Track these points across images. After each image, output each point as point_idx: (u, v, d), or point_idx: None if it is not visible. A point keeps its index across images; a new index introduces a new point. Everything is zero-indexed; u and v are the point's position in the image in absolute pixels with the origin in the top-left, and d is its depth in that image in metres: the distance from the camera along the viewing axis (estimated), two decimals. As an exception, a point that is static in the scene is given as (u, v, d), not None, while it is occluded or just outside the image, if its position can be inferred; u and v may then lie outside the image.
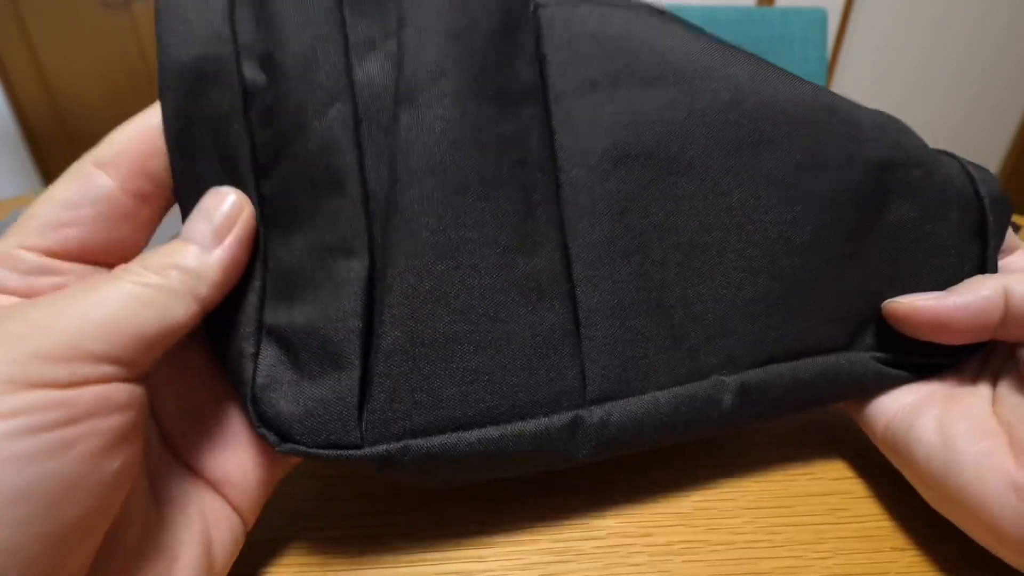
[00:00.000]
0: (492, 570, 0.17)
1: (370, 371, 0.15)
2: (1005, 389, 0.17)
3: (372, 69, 0.15)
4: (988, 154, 1.98)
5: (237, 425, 0.16)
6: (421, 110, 0.15)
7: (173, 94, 0.15)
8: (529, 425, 0.16)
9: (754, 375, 0.18)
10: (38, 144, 1.79)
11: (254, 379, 0.15)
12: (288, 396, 0.15)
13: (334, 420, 0.15)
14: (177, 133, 0.15)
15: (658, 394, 0.17)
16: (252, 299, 0.15)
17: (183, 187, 0.16)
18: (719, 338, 0.18)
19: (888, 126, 0.22)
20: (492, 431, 0.16)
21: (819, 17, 0.85)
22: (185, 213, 0.15)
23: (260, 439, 0.15)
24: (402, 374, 0.15)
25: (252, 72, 0.15)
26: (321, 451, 0.15)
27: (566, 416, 0.16)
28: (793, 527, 0.19)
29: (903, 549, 0.18)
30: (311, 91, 0.15)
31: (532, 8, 0.17)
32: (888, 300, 0.19)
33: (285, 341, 0.15)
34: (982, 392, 0.18)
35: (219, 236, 0.14)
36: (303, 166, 0.15)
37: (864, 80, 1.85)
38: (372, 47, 0.15)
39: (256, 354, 0.15)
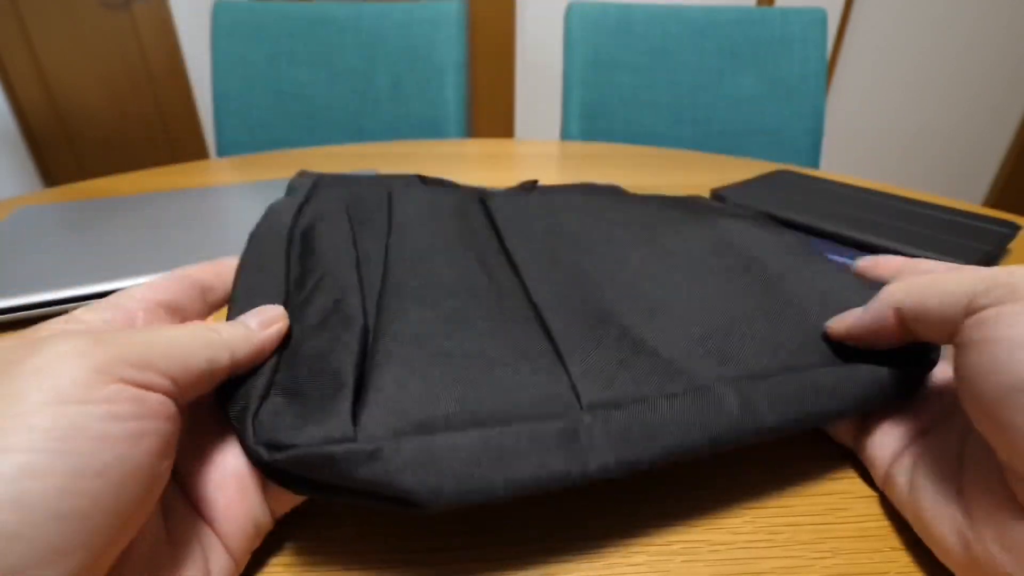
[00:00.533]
0: (492, 569, 0.17)
1: (365, 384, 0.17)
2: (974, 433, 0.18)
3: (370, 248, 0.24)
4: (988, 154, 1.98)
5: (231, 473, 0.17)
6: (402, 231, 0.25)
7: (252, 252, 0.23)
8: (524, 427, 0.16)
9: (753, 383, 0.19)
10: (38, 144, 1.79)
11: (257, 410, 0.16)
12: (288, 417, 0.16)
13: (328, 424, 0.15)
14: (247, 267, 0.22)
15: (659, 401, 0.17)
16: (268, 365, 0.18)
17: (240, 300, 0.20)
18: (693, 350, 0.20)
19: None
20: (489, 432, 0.16)
21: (819, 17, 0.85)
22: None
23: (248, 486, 0.17)
24: (395, 384, 0.17)
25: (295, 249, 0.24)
26: (313, 448, 0.15)
27: (562, 421, 0.16)
28: (793, 527, 0.19)
29: (903, 549, 0.18)
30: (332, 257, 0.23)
31: (481, 201, 0.28)
32: (827, 323, 0.21)
33: (289, 389, 0.17)
34: (957, 429, 0.18)
35: (264, 325, 0.18)
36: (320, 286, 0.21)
37: (864, 80, 1.85)
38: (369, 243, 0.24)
39: (263, 397, 0.17)
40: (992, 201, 2.03)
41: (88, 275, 0.32)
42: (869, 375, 0.20)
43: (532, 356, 0.19)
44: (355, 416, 0.16)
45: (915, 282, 0.18)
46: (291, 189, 0.34)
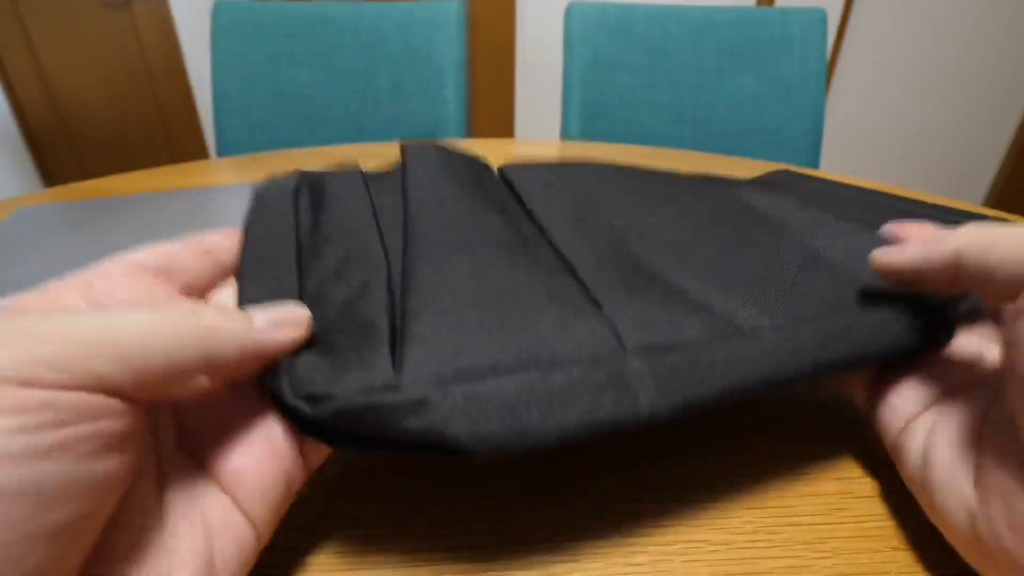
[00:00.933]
0: (493, 569, 0.17)
1: (402, 328, 0.16)
2: (995, 408, 0.17)
3: (386, 201, 0.24)
4: (988, 154, 1.98)
5: (256, 424, 0.16)
6: (422, 188, 0.23)
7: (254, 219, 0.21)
8: (571, 371, 0.15)
9: (793, 325, 0.18)
10: (38, 144, 1.79)
11: (292, 364, 0.15)
12: (323, 367, 0.15)
13: (369, 371, 0.15)
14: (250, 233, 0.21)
15: (704, 342, 0.17)
16: None
17: (249, 253, 0.19)
18: (732, 298, 0.19)
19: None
20: (535, 376, 0.15)
21: (819, 17, 0.85)
22: (241, 291, 0.18)
23: (277, 438, 0.16)
24: (434, 331, 0.16)
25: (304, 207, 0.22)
26: (356, 398, 0.14)
27: (609, 364, 0.16)
28: (793, 527, 0.19)
29: (903, 549, 0.18)
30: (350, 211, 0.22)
31: (497, 172, 0.27)
32: (873, 253, 0.19)
33: (320, 342, 0.16)
34: (978, 402, 0.18)
35: (274, 325, 0.15)
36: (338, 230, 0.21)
37: (864, 80, 1.85)
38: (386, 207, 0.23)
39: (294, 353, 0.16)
40: (992, 201, 2.03)
41: (88, 275, 0.32)
42: (910, 315, 0.19)
43: (569, 302, 0.18)
44: (395, 364, 0.15)
45: (988, 231, 0.16)
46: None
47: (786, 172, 0.53)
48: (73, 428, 0.11)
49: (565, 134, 0.88)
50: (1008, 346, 0.15)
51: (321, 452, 0.17)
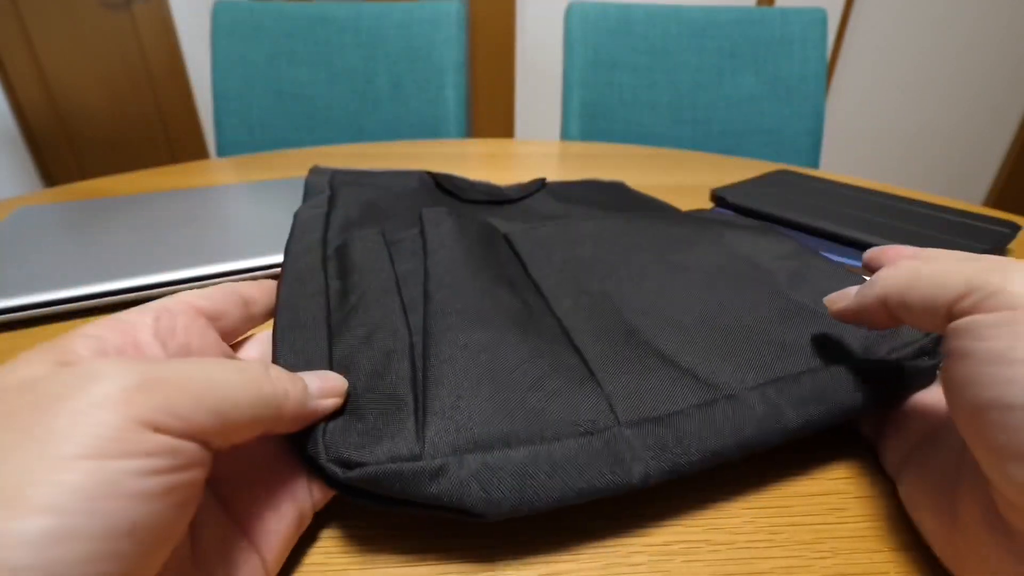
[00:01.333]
0: (493, 569, 0.17)
1: (424, 400, 0.18)
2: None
3: (407, 269, 0.25)
4: (988, 154, 1.98)
5: (275, 467, 0.17)
6: (439, 255, 0.25)
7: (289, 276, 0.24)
8: (572, 443, 0.17)
9: (775, 387, 0.20)
10: (38, 144, 1.79)
11: (324, 429, 0.17)
12: (353, 435, 0.17)
13: (395, 442, 0.17)
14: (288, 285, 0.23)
15: (690, 411, 0.19)
16: None
17: (283, 316, 0.22)
18: (714, 361, 0.21)
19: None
20: (540, 448, 0.17)
21: (819, 17, 0.85)
22: (276, 352, 0.20)
23: (293, 480, 0.17)
24: (452, 404, 0.18)
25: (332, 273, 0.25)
26: (384, 466, 0.16)
27: (605, 436, 0.18)
28: (793, 527, 0.19)
29: (903, 549, 0.18)
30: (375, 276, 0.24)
31: (503, 234, 0.30)
32: (826, 298, 0.21)
33: (350, 407, 0.18)
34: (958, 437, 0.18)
35: (323, 394, 0.17)
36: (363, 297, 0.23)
37: (864, 80, 1.85)
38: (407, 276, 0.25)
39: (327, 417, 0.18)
40: (992, 201, 2.03)
41: (88, 275, 0.32)
42: (884, 369, 0.20)
43: (569, 374, 0.20)
44: (418, 434, 0.17)
45: (903, 272, 0.17)
46: (309, 188, 0.36)
47: (786, 172, 0.53)
48: (180, 475, 0.12)
49: (565, 134, 0.88)
50: (942, 385, 0.16)
51: (328, 492, 0.18)
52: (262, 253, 0.35)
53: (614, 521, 0.19)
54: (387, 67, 0.87)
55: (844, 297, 0.20)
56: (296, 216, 0.31)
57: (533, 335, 0.22)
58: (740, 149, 0.89)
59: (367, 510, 0.19)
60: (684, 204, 0.49)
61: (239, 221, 0.40)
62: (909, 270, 0.17)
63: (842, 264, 0.27)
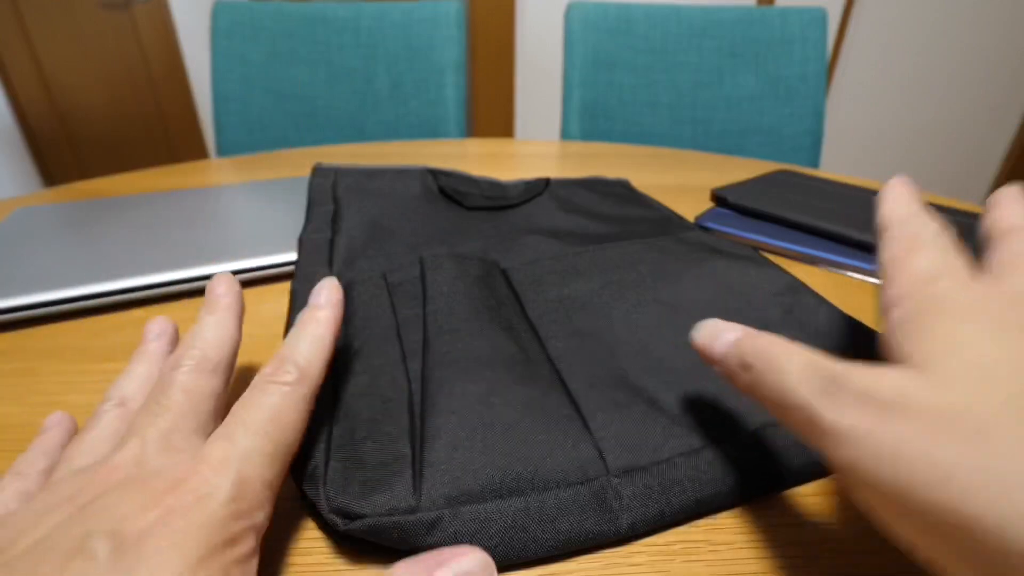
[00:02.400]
0: (492, 570, 0.17)
1: (420, 452, 0.19)
2: None
3: (408, 315, 0.27)
4: (988, 154, 1.98)
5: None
6: (438, 302, 0.26)
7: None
8: (562, 493, 0.18)
9: (761, 433, 0.21)
10: (38, 144, 1.79)
11: (325, 476, 0.18)
12: (354, 485, 0.18)
13: (393, 494, 0.17)
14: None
15: (676, 460, 0.19)
16: (322, 426, 0.20)
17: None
18: (705, 407, 0.22)
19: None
20: (531, 499, 0.18)
21: (819, 17, 0.85)
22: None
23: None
24: (447, 456, 0.19)
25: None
26: (382, 518, 0.17)
27: (594, 485, 0.18)
28: (793, 527, 0.19)
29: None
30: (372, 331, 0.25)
31: (501, 270, 0.31)
32: (698, 328, 0.20)
33: (349, 457, 0.19)
34: None
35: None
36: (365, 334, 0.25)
37: (864, 80, 1.85)
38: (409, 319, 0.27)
39: (327, 461, 0.19)
40: (992, 201, 2.03)
41: (88, 275, 0.32)
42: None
43: (561, 423, 0.20)
44: (415, 486, 0.18)
45: (774, 350, 0.16)
46: (312, 196, 0.39)
47: (787, 172, 0.53)
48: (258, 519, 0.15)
49: (565, 134, 0.88)
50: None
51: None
52: (262, 253, 0.35)
53: (614, 521, 0.19)
54: (387, 67, 0.87)
55: (712, 336, 0.18)
56: (301, 243, 0.33)
57: (528, 381, 0.22)
58: (740, 149, 0.89)
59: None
60: (684, 204, 0.49)
61: (239, 221, 0.40)
62: (768, 358, 0.16)
63: (836, 309, 0.28)
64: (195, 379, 0.18)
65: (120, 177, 0.56)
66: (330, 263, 0.31)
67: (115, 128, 1.87)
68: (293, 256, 0.35)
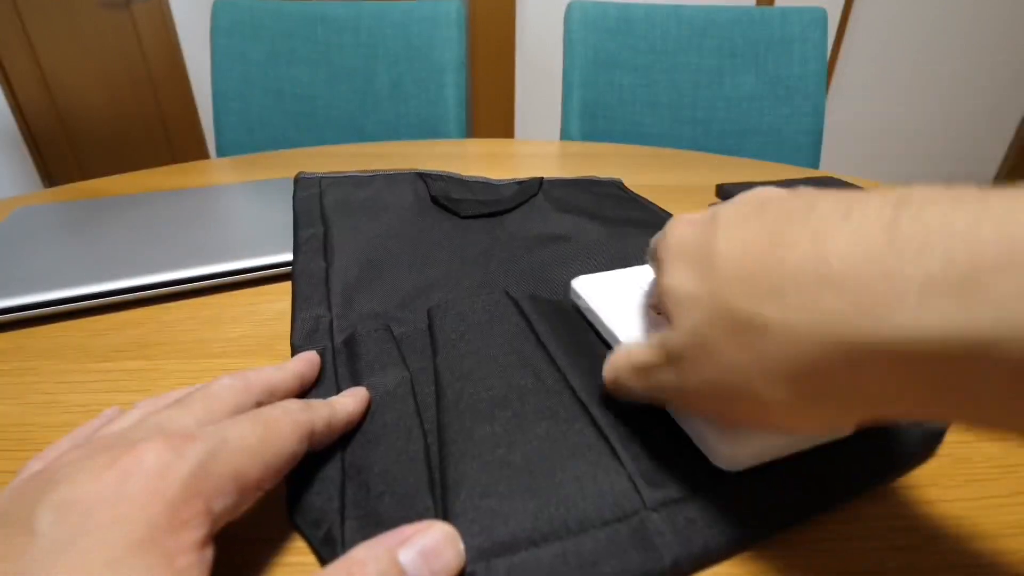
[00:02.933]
0: (492, 570, 0.17)
1: (444, 508, 0.18)
2: None
3: (418, 369, 0.25)
4: (988, 154, 1.98)
5: None
6: (447, 350, 0.25)
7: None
8: (600, 534, 0.17)
9: (799, 461, 0.20)
10: (38, 144, 1.79)
11: (343, 537, 0.17)
12: (369, 530, 0.17)
13: None
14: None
15: (712, 490, 0.19)
16: (334, 480, 0.19)
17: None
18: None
19: None
20: (568, 543, 0.17)
21: (819, 17, 0.85)
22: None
23: None
24: (473, 504, 0.18)
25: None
26: None
27: (632, 521, 0.17)
28: (793, 527, 0.19)
29: (903, 549, 0.18)
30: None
31: (514, 303, 0.28)
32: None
33: (366, 513, 0.18)
34: None
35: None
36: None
37: (864, 80, 1.85)
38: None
39: (342, 522, 0.18)
40: (992, 201, 2.03)
41: (88, 275, 0.32)
42: (901, 438, 0.20)
43: (589, 455, 0.19)
44: None
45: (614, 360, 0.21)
46: (298, 216, 0.39)
47: (830, 179, 0.52)
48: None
49: (565, 134, 0.88)
50: None
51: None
52: (262, 253, 0.35)
53: (614, 521, 0.19)
54: (387, 67, 0.87)
55: (610, 370, 0.21)
56: (294, 276, 0.32)
57: (550, 416, 0.21)
58: (740, 149, 0.89)
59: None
60: (684, 204, 0.49)
61: (239, 221, 0.40)
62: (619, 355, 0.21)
63: None
64: (226, 388, 0.18)
65: (120, 177, 0.56)
66: (328, 302, 0.30)
67: (115, 128, 1.87)
68: (292, 256, 0.35)
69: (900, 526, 0.19)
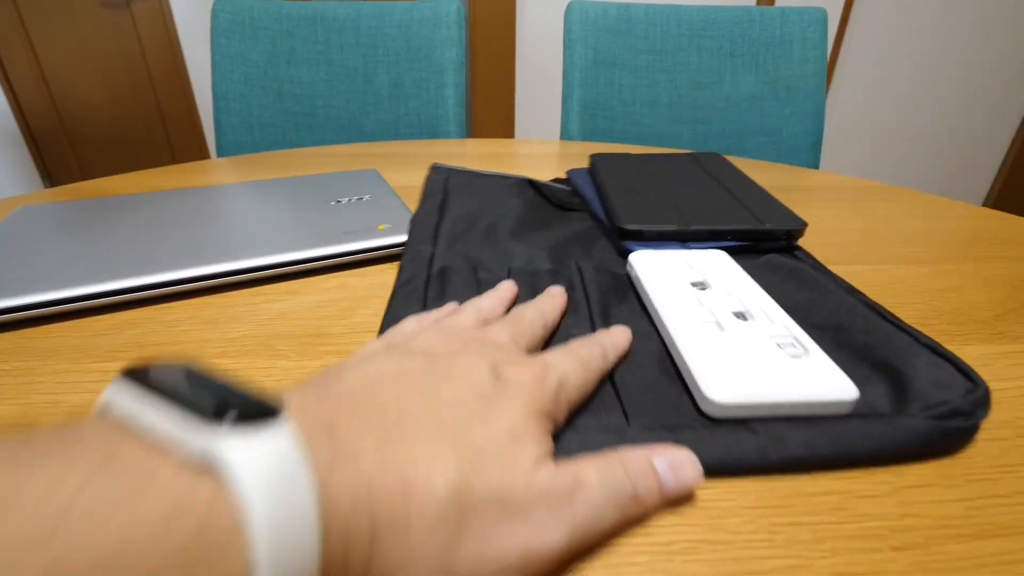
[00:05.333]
0: (492, 570, 0.17)
1: None
2: None
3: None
4: (988, 154, 1.98)
5: None
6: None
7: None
8: (583, 420, 0.22)
9: (763, 424, 0.22)
10: (39, 144, 1.79)
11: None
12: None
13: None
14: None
15: (695, 423, 0.22)
16: None
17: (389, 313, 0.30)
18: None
19: None
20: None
21: (819, 17, 0.85)
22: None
23: None
24: None
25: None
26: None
27: (618, 431, 0.22)
28: (793, 527, 0.19)
29: (903, 549, 0.18)
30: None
31: (578, 266, 0.35)
32: None
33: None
34: None
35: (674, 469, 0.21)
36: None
37: (864, 80, 1.85)
38: None
39: None
40: (992, 201, 2.03)
41: (88, 275, 0.32)
42: (906, 426, 0.21)
43: (597, 395, 0.24)
44: None
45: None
46: (428, 186, 0.47)
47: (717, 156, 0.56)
48: None
49: (565, 134, 0.88)
50: None
51: None
52: (262, 253, 0.35)
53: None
54: (387, 67, 0.87)
55: None
56: (412, 222, 0.39)
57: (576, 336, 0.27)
58: (740, 149, 0.89)
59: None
60: (684, 204, 0.49)
61: (239, 221, 0.40)
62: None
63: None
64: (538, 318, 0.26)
65: (120, 177, 0.56)
66: (434, 242, 0.37)
67: (115, 127, 1.87)
68: (293, 256, 0.35)
69: (900, 526, 0.19)
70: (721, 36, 0.86)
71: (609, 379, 0.25)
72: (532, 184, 0.50)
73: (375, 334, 0.30)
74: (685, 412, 0.23)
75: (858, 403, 0.23)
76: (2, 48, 1.63)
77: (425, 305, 0.30)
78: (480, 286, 0.32)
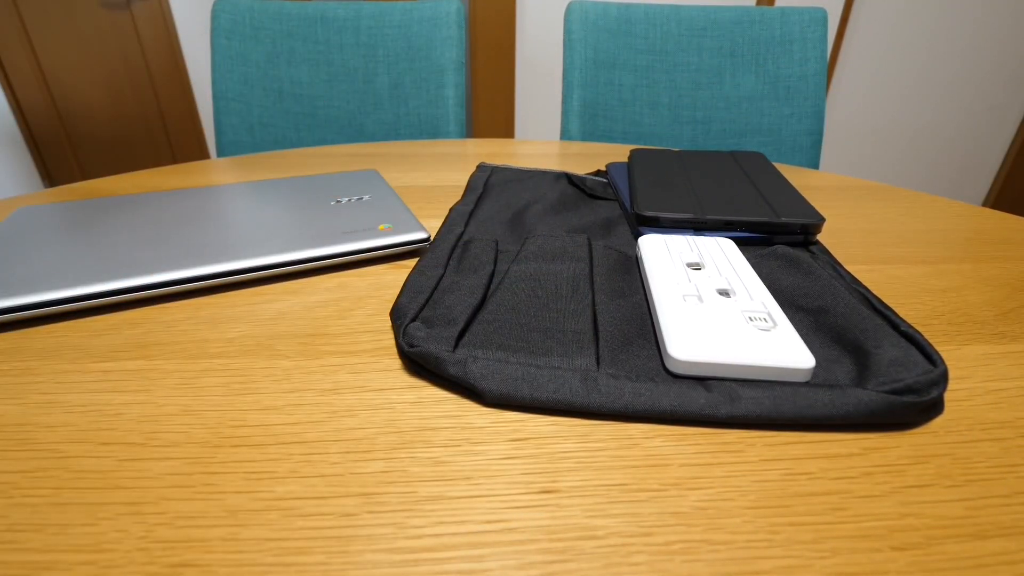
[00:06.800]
0: (491, 570, 0.17)
1: (468, 325, 0.28)
2: None
3: (504, 268, 0.36)
4: (988, 154, 1.98)
5: None
6: (525, 252, 0.36)
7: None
8: (557, 365, 0.25)
9: (721, 385, 0.25)
10: (38, 144, 1.79)
11: (406, 327, 0.27)
12: (420, 331, 0.27)
13: (442, 339, 0.27)
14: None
15: (656, 375, 0.25)
16: (422, 300, 0.30)
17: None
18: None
19: None
20: (530, 359, 0.25)
21: (819, 17, 0.85)
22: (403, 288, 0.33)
23: None
24: (485, 326, 0.28)
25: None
26: (431, 351, 0.25)
27: (584, 372, 0.24)
28: (793, 527, 0.19)
29: (903, 549, 0.18)
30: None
31: (589, 241, 0.37)
32: None
33: (426, 319, 0.29)
34: None
35: None
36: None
37: (864, 80, 1.85)
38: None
39: (412, 320, 0.28)
40: (992, 201, 2.03)
41: (87, 275, 0.32)
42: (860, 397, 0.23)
43: (579, 347, 0.27)
44: (456, 341, 0.27)
45: None
46: (472, 178, 0.51)
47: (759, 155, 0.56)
48: None
49: (565, 134, 0.88)
50: None
51: None
52: (262, 253, 0.35)
53: (614, 521, 0.19)
54: (387, 67, 0.87)
55: None
56: (450, 211, 0.43)
57: (568, 314, 0.29)
58: (740, 149, 0.89)
59: (361, 509, 0.19)
60: (684, 204, 0.49)
61: (239, 221, 0.40)
62: None
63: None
64: None
65: (121, 177, 0.56)
66: (465, 226, 0.41)
67: (115, 128, 1.87)
68: (293, 256, 0.35)
69: (900, 526, 0.19)
70: (721, 36, 0.86)
71: (593, 331, 0.27)
72: (568, 176, 0.52)
73: (375, 334, 0.30)
74: (652, 368, 0.26)
75: (816, 374, 0.25)
76: (2, 48, 1.63)
77: (446, 266, 0.34)
78: (498, 256, 0.36)
